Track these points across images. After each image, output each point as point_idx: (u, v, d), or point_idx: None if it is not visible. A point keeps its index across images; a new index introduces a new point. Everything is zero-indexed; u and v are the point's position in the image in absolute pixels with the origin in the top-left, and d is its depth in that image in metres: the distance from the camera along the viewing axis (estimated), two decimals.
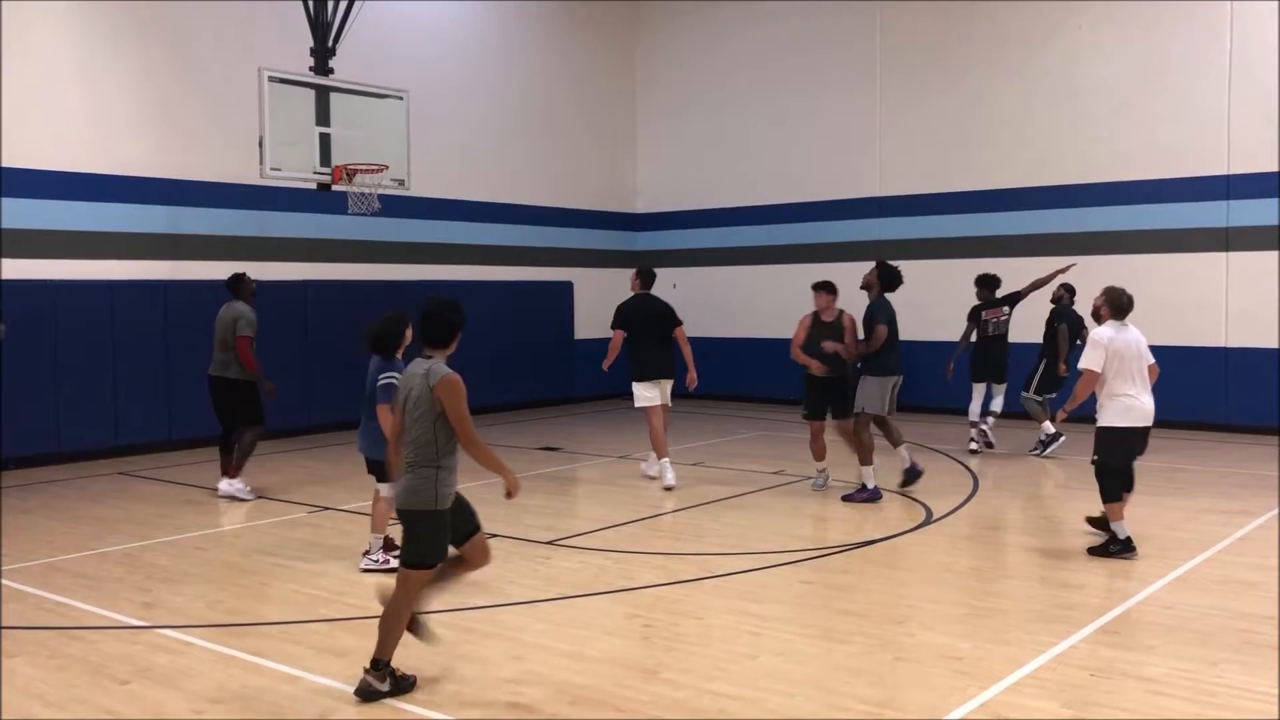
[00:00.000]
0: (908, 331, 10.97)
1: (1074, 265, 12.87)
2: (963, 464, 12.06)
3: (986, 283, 12.98)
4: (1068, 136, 15.53)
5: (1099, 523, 8.24)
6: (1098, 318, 8.10)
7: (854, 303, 10.57)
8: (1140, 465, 8.11)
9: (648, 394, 10.94)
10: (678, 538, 8.75)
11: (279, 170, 12.17)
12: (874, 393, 10.05)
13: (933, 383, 15.58)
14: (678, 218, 19.69)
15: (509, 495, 5.42)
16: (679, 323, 11.08)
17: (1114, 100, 15.15)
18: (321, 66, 13.12)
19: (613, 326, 11.03)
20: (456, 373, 5.23)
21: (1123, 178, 15.11)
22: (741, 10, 18.56)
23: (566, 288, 18.63)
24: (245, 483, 10.35)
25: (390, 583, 5.42)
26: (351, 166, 12.58)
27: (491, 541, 5.62)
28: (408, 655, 5.52)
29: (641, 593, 7.06)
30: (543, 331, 18.00)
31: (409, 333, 7.49)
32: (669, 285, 19.28)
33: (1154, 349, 8.11)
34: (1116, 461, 7.84)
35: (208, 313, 11.07)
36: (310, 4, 13.22)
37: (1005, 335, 12.81)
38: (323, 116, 12.55)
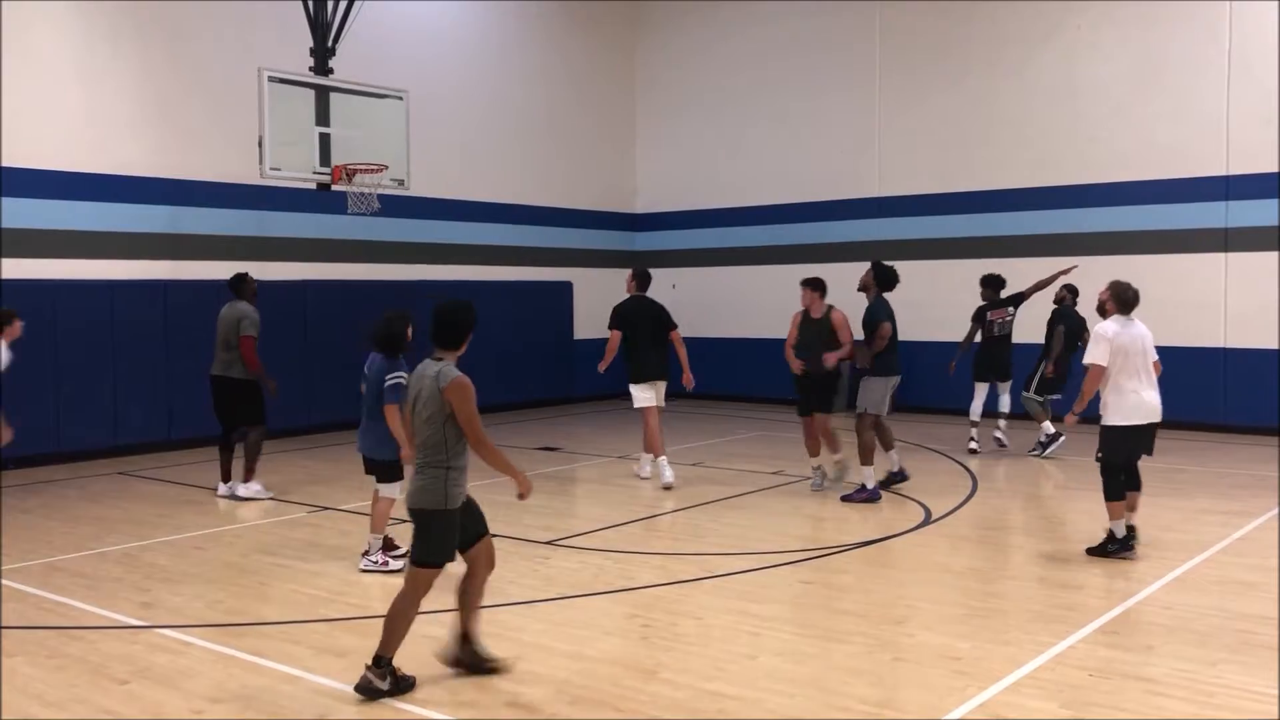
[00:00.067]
0: (907, 332, 11.00)
1: (1075, 267, 12.88)
2: (962, 464, 12.06)
3: (991, 283, 12.99)
4: (1067, 137, 15.54)
5: (1109, 549, 7.95)
6: (1103, 312, 8.00)
7: (853, 304, 10.57)
8: (1139, 465, 8.07)
9: (644, 395, 10.99)
10: (677, 538, 8.76)
11: (279, 170, 12.17)
12: (877, 393, 10.07)
13: (932, 383, 15.60)
14: (677, 218, 19.69)
15: (521, 496, 5.46)
16: (674, 325, 11.13)
17: (1113, 100, 15.16)
18: (321, 66, 13.13)
19: (610, 327, 11.05)
20: (465, 375, 5.24)
21: (1122, 178, 15.11)
22: (741, 10, 18.57)
23: (566, 288, 18.64)
24: (260, 482, 10.39)
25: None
26: (351, 166, 12.59)
27: (491, 541, 5.62)
28: (408, 655, 5.52)
29: (641, 593, 7.06)
30: (542, 331, 18.01)
31: (410, 331, 7.53)
32: (668, 286, 19.34)
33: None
34: (1121, 459, 7.78)
35: (208, 313, 11.08)
36: (310, 4, 13.22)
37: (1009, 335, 12.83)
38: (322, 116, 12.56)
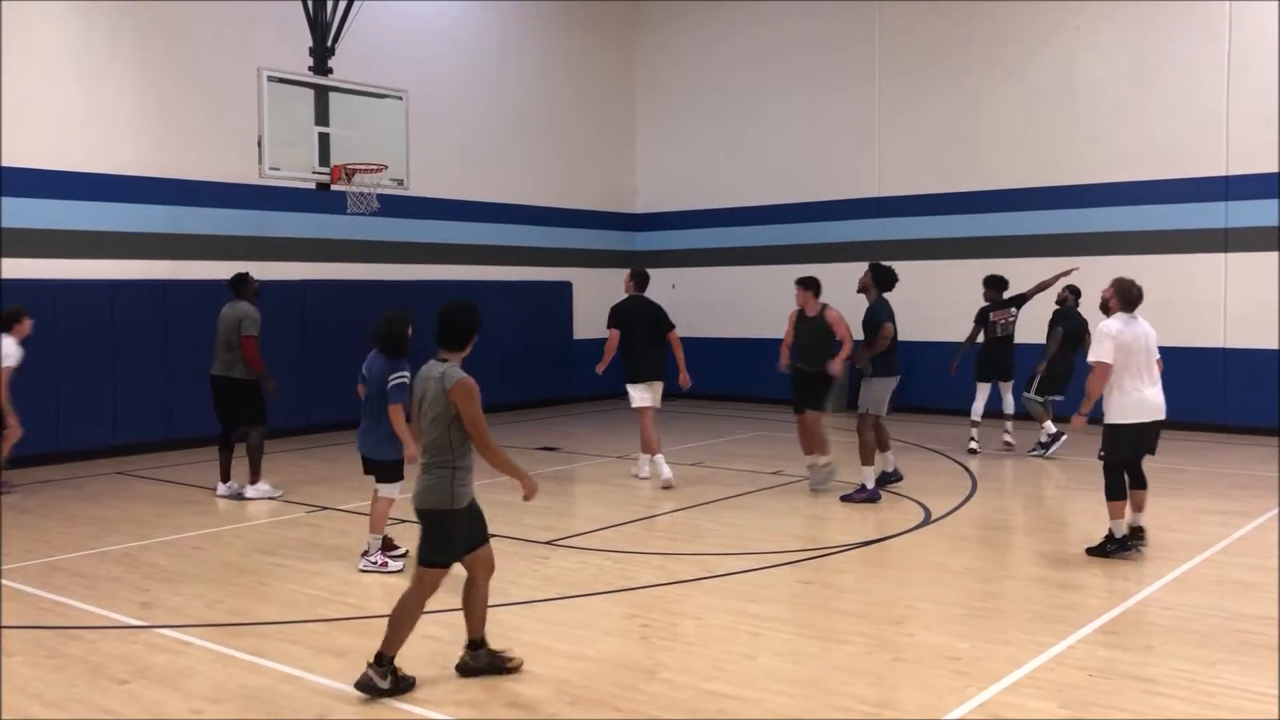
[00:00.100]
0: (906, 332, 10.99)
1: (1076, 269, 12.87)
2: (961, 464, 12.06)
3: (994, 284, 13.00)
4: (1066, 137, 15.54)
5: (1107, 549, 7.92)
6: (1106, 310, 7.96)
7: (854, 305, 10.58)
8: (1143, 464, 8.03)
9: (641, 396, 11.03)
10: (676, 538, 8.76)
11: (278, 170, 12.17)
12: (879, 394, 10.10)
13: (932, 383, 15.61)
14: (677, 218, 19.70)
15: (526, 498, 5.46)
16: (672, 326, 11.19)
17: (1112, 100, 15.16)
18: (321, 66, 13.12)
19: (609, 327, 11.07)
20: (471, 376, 5.24)
21: (1121, 178, 15.12)
22: (741, 10, 18.57)
23: (565, 288, 18.64)
24: (268, 482, 10.42)
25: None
26: (350, 166, 12.58)
27: (491, 541, 5.61)
28: (407, 655, 5.52)
29: (640, 593, 7.06)
30: (542, 331, 18.00)
31: (410, 331, 7.54)
32: (668, 285, 19.34)
33: None
34: (1125, 457, 7.75)
35: (207, 313, 11.07)
36: (309, 4, 13.22)
37: (1011, 336, 12.86)
38: (322, 116, 12.55)
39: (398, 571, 7.56)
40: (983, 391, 12.93)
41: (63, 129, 12.72)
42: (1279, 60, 13.86)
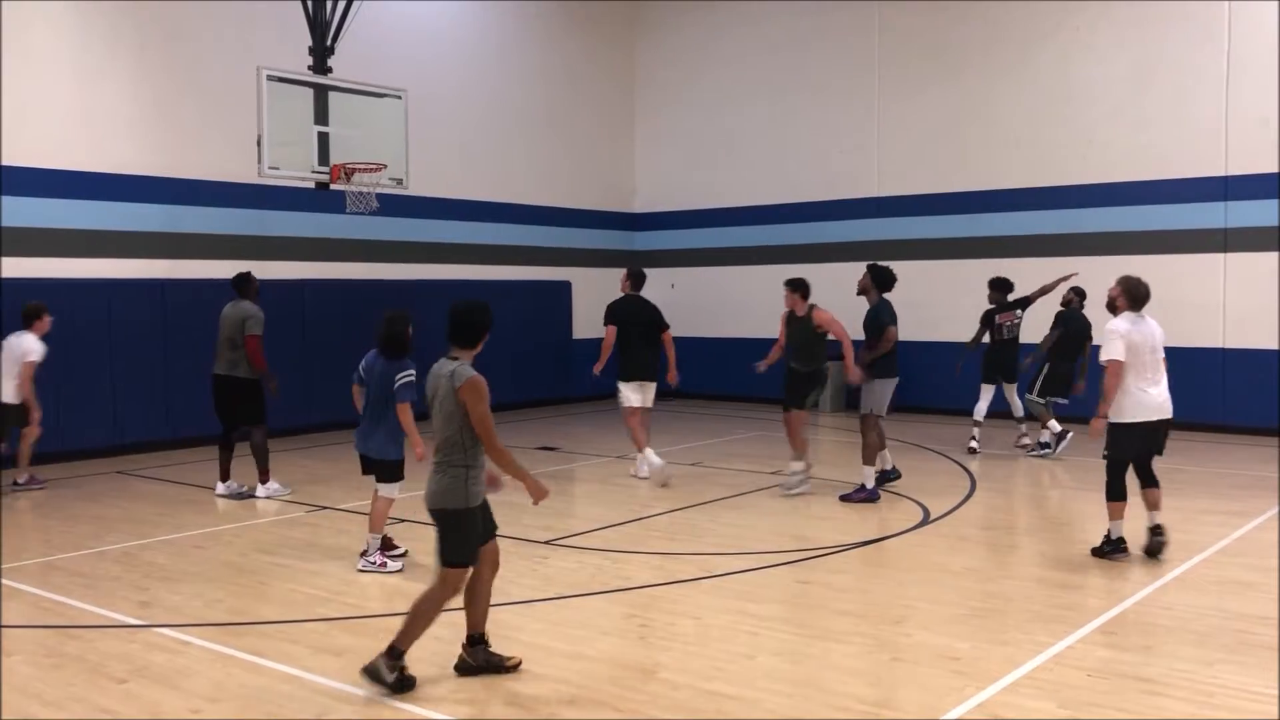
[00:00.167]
0: (904, 332, 10.96)
1: (1076, 274, 12.84)
2: (960, 464, 12.06)
3: (1000, 286, 13.00)
4: (1065, 137, 15.54)
5: (1103, 550, 7.89)
6: (1113, 309, 7.87)
7: (855, 306, 10.59)
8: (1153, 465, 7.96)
9: (633, 396, 11.10)
10: (675, 538, 8.76)
11: (277, 169, 12.16)
12: (882, 395, 10.14)
13: (931, 383, 15.63)
14: (676, 218, 19.70)
15: (534, 502, 5.45)
16: (667, 326, 11.29)
17: (1111, 101, 15.17)
18: (320, 65, 13.12)
19: (606, 324, 11.11)
20: (480, 374, 5.25)
21: (1119, 178, 15.12)
22: (739, 10, 18.57)
23: (565, 287, 18.64)
24: (277, 481, 10.45)
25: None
26: (350, 165, 12.58)
27: (497, 543, 5.61)
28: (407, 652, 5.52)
29: (639, 592, 7.06)
30: (541, 331, 18.00)
31: (410, 330, 7.57)
32: (667, 285, 19.34)
33: None
34: (1129, 457, 7.69)
35: (206, 312, 11.06)
36: (309, 3, 13.22)
37: (1017, 338, 12.89)
38: (321, 115, 12.55)
39: (397, 571, 7.56)
40: (986, 393, 12.94)
41: (62, 128, 12.72)
42: (1278, 60, 13.86)
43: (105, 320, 12.76)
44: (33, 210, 12.43)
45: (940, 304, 15.87)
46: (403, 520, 8.71)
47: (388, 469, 7.67)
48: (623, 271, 11.63)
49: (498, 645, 5.63)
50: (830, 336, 10.20)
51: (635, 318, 11.11)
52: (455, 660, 5.52)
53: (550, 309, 18.37)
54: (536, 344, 17.78)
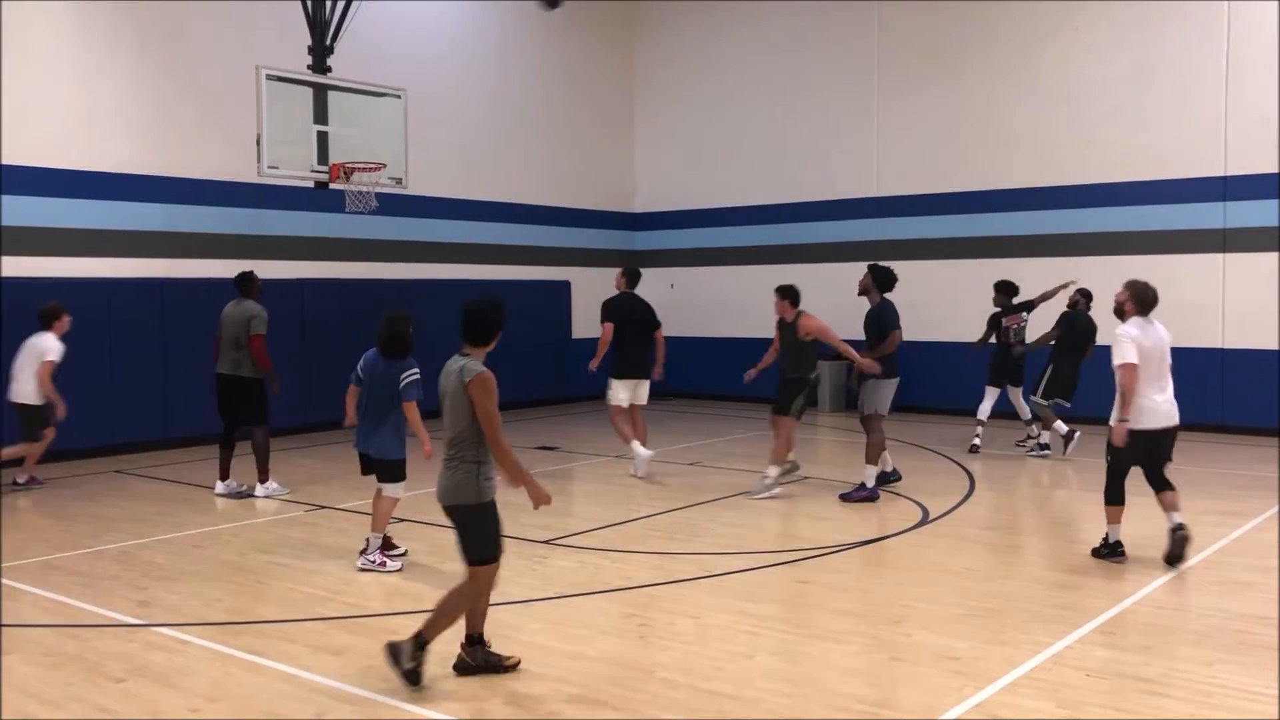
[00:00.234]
0: (904, 332, 10.98)
1: (1076, 281, 12.80)
2: (960, 464, 12.06)
3: (1005, 289, 13.00)
4: (1064, 137, 15.55)
5: (1100, 552, 7.86)
6: (1120, 314, 7.75)
7: (856, 307, 10.60)
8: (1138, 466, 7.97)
9: (622, 395, 11.19)
10: (674, 537, 8.75)
11: (276, 168, 12.16)
12: (885, 395, 10.17)
13: (930, 383, 15.64)
14: (675, 217, 19.69)
15: (535, 506, 5.43)
16: (659, 325, 11.41)
17: (1110, 101, 15.17)
18: (319, 65, 13.11)
19: (603, 321, 11.16)
20: (490, 371, 5.26)
21: (1119, 178, 15.12)
22: (739, 10, 18.56)
23: (564, 287, 18.63)
24: (276, 480, 10.44)
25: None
26: (349, 165, 12.57)
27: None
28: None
29: (638, 592, 7.06)
30: (540, 331, 17.99)
31: (410, 330, 7.58)
32: (666, 285, 19.35)
33: None
34: (1129, 463, 7.60)
35: (205, 311, 11.06)
36: (308, 2, 13.21)
37: (1023, 341, 12.87)
38: (320, 115, 12.54)
39: (396, 571, 7.55)
40: (991, 395, 12.94)
41: (62, 127, 12.71)
42: (1277, 60, 13.87)
43: (105, 319, 12.75)
44: (32, 209, 12.42)
45: (940, 304, 15.88)
46: (403, 520, 8.71)
47: (391, 468, 7.67)
48: (618, 270, 11.69)
49: (497, 645, 5.63)
50: (822, 343, 10.22)
51: (631, 315, 11.21)
52: (454, 660, 5.52)
53: (550, 309, 18.36)
54: (536, 344, 17.77)
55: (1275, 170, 13.95)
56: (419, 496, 8.89)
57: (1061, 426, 12.27)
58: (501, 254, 17.78)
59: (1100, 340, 11.87)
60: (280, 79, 12.15)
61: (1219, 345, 14.38)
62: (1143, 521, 8.31)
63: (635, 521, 9.31)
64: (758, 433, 14.85)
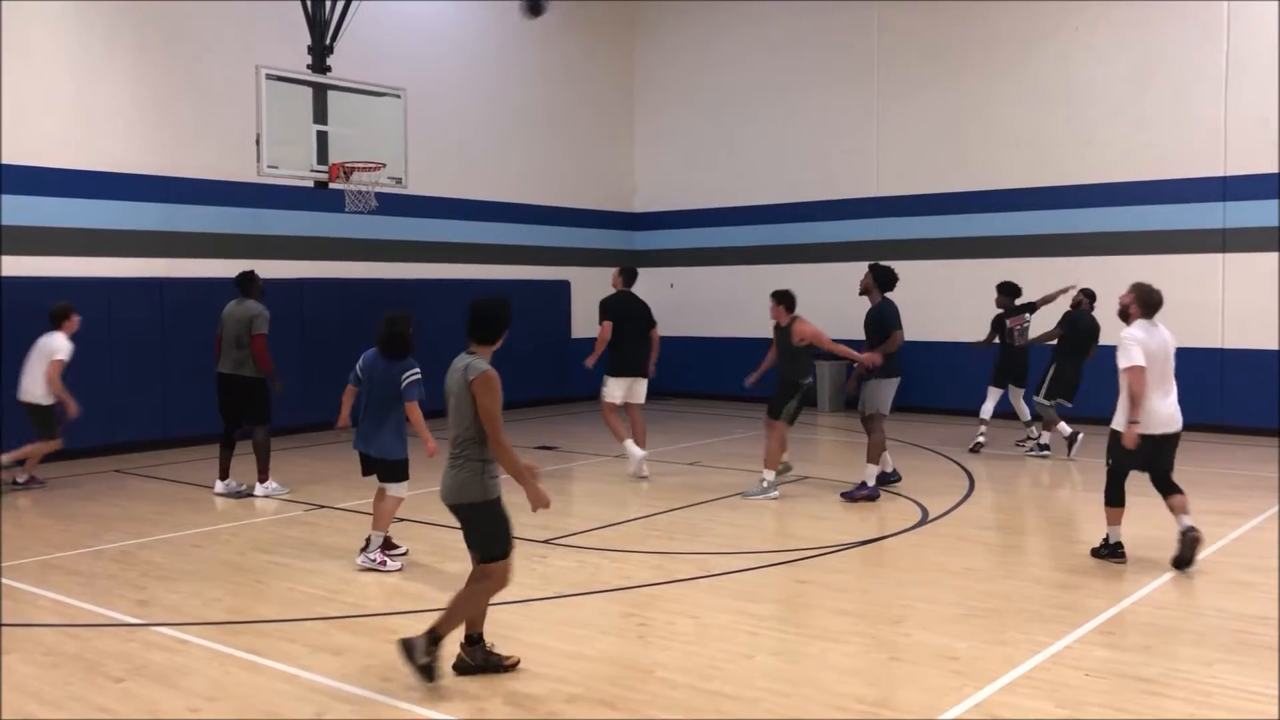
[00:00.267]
0: (903, 332, 11.01)
1: (1074, 287, 12.78)
2: (959, 464, 12.06)
3: (1008, 290, 12.99)
4: (1064, 138, 15.55)
5: (1100, 552, 7.84)
6: (1125, 317, 7.70)
7: (857, 306, 10.60)
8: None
9: (618, 391, 11.23)
10: (674, 537, 8.75)
11: (276, 168, 12.16)
12: (886, 394, 10.20)
13: (930, 383, 15.64)
14: (675, 217, 19.69)
15: (533, 509, 5.40)
16: (655, 324, 11.47)
17: (1110, 101, 15.17)
18: (319, 64, 13.11)
19: (603, 319, 11.19)
20: (495, 370, 5.27)
21: (1118, 179, 15.12)
22: (739, 10, 18.56)
23: (564, 287, 18.63)
24: (276, 480, 10.44)
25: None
26: (349, 164, 12.58)
27: None
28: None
29: (638, 592, 7.06)
30: (540, 330, 17.98)
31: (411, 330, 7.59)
32: (665, 284, 19.36)
33: None
34: (1129, 466, 7.55)
35: (204, 310, 11.05)
36: (308, 2, 13.21)
37: (1027, 342, 12.87)
38: (320, 114, 12.54)
39: (396, 571, 7.55)
40: (994, 395, 12.95)
41: (61, 127, 12.71)
42: (1277, 61, 13.87)
43: (104, 319, 12.73)
44: (32, 209, 12.42)
45: (939, 304, 15.88)
46: (403, 520, 8.70)
47: (394, 468, 7.68)
48: (615, 269, 11.73)
49: (497, 644, 5.62)
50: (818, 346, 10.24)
51: (630, 314, 11.27)
52: (454, 660, 5.52)
53: (549, 308, 18.36)
54: (536, 343, 17.75)
55: (1275, 170, 13.95)
56: (419, 496, 8.90)
57: (1065, 428, 12.24)
58: (501, 254, 17.78)
59: (1103, 341, 11.87)
60: (280, 78, 12.15)
61: (1218, 345, 14.38)
62: (1142, 522, 8.31)
63: (634, 521, 9.31)
64: (757, 433, 14.82)
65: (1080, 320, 12.40)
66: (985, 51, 16.24)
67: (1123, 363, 7.37)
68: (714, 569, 7.57)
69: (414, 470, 7.93)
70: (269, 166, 12.02)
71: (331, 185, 12.78)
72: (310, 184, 13.02)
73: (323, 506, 9.85)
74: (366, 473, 7.84)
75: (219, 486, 10.40)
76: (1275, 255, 13.96)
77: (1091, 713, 4.99)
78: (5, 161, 12.13)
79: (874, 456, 10.08)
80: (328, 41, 13.21)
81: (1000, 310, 13.00)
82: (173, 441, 13.20)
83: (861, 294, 10.55)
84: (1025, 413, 13.00)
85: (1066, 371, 12.29)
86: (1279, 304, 13.88)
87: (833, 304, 16.16)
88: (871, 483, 10.03)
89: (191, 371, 12.91)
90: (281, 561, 7.91)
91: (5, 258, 12.12)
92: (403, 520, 8.70)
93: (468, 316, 5.43)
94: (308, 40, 13.19)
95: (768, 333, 10.67)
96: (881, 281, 10.35)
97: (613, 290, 11.51)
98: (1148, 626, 6.33)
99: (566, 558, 7.99)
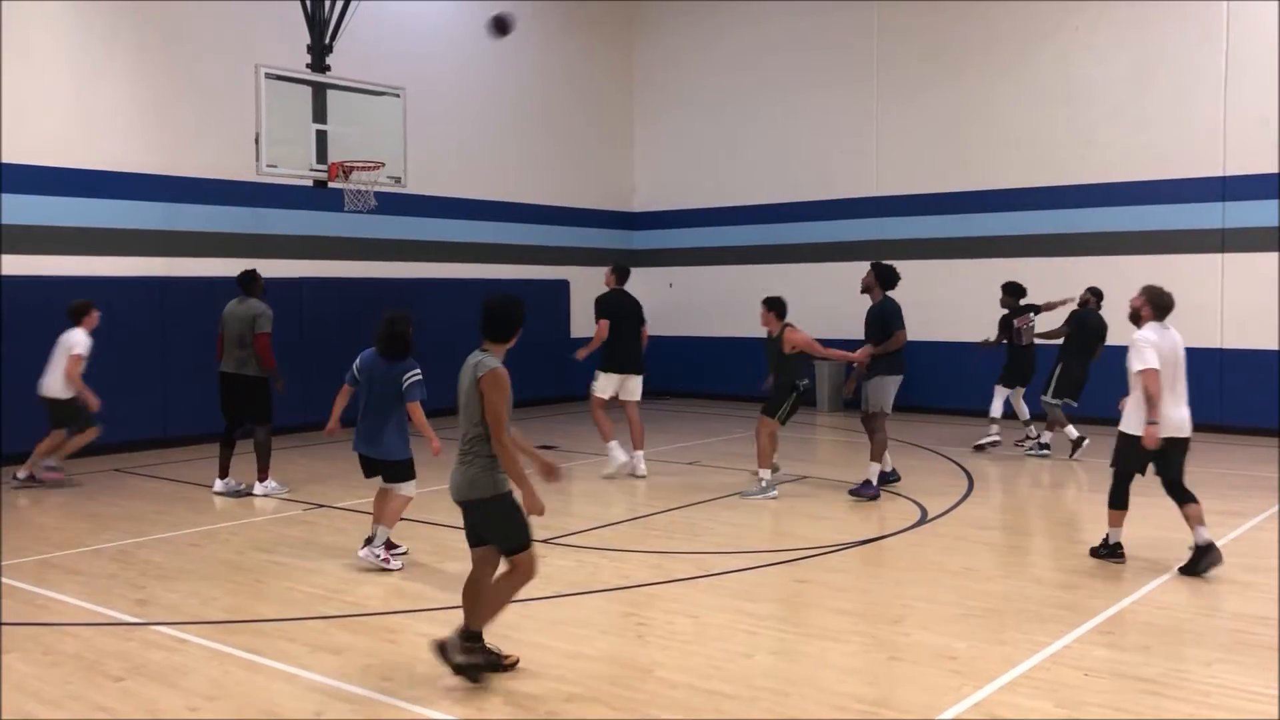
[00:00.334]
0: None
1: (1072, 300, 12.77)
2: (959, 464, 12.07)
3: (1013, 290, 12.99)
4: (1064, 137, 15.55)
5: (1099, 552, 7.80)
6: (1136, 320, 7.61)
7: (855, 305, 10.61)
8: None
9: (608, 386, 11.26)
10: (673, 536, 8.75)
11: (275, 167, 12.17)
12: (889, 392, 10.22)
13: (929, 383, 15.64)
14: (674, 217, 19.69)
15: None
16: (645, 321, 11.57)
17: (1110, 101, 15.17)
18: (318, 63, 13.12)
19: (600, 317, 11.23)
20: (504, 368, 5.27)
21: (1118, 179, 15.12)
22: (738, 10, 18.56)
23: (563, 286, 18.63)
24: (275, 480, 10.44)
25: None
26: (348, 164, 12.58)
27: None
28: (405, 651, 5.51)
29: (637, 591, 7.06)
30: (539, 330, 17.90)
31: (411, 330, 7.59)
32: (665, 284, 19.36)
33: None
34: (1135, 470, 7.48)
35: (204, 310, 11.03)
36: (307, 2, 13.22)
37: (1033, 342, 12.88)
38: (319, 113, 12.55)
39: (397, 570, 7.54)
40: (1001, 394, 12.95)
41: (61, 126, 12.70)
42: (1277, 61, 13.87)
43: (104, 318, 12.68)
44: (32, 208, 12.42)
45: (939, 304, 15.87)
46: (403, 519, 8.68)
47: (400, 468, 7.67)
48: (607, 268, 11.74)
49: (496, 643, 5.62)
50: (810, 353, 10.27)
51: (626, 312, 11.31)
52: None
53: (548, 308, 18.35)
54: (534, 343, 17.64)
55: (1275, 170, 13.95)
56: (420, 495, 8.88)
57: (1072, 431, 12.18)
58: (500, 253, 17.77)
59: (1115, 342, 11.85)
60: (279, 78, 12.16)
61: (1218, 345, 14.38)
62: (1143, 522, 8.32)
63: (633, 521, 9.31)
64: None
65: (1087, 319, 12.37)
66: (985, 51, 16.24)
67: (1137, 365, 7.28)
68: (713, 568, 7.57)
69: (416, 469, 7.92)
70: (268, 165, 12.03)
71: (331, 184, 12.79)
72: (309, 183, 13.03)
73: (322, 506, 9.85)
74: (369, 474, 7.83)
75: (218, 485, 10.40)
76: (1275, 255, 13.96)
77: (1091, 712, 4.99)
78: (5, 161, 12.13)
79: (878, 455, 10.11)
80: (327, 41, 13.22)
81: (1006, 310, 13.00)
82: (172, 441, 13.19)
83: (863, 292, 10.59)
84: (1024, 412, 13.00)
85: (1073, 371, 12.26)
86: (1279, 304, 13.88)
87: (832, 304, 16.18)
88: (874, 480, 10.04)
89: (191, 370, 12.90)
90: (280, 561, 7.91)
91: (5, 257, 12.12)
92: (403, 520, 8.68)
93: (481, 315, 5.44)
94: (307, 39, 13.20)
95: (764, 334, 10.68)
96: (883, 279, 10.38)
97: (606, 289, 11.54)
98: (1147, 626, 6.33)
99: (565, 557, 7.99)
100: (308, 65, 13.03)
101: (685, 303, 19.09)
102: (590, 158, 19.44)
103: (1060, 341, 12.54)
